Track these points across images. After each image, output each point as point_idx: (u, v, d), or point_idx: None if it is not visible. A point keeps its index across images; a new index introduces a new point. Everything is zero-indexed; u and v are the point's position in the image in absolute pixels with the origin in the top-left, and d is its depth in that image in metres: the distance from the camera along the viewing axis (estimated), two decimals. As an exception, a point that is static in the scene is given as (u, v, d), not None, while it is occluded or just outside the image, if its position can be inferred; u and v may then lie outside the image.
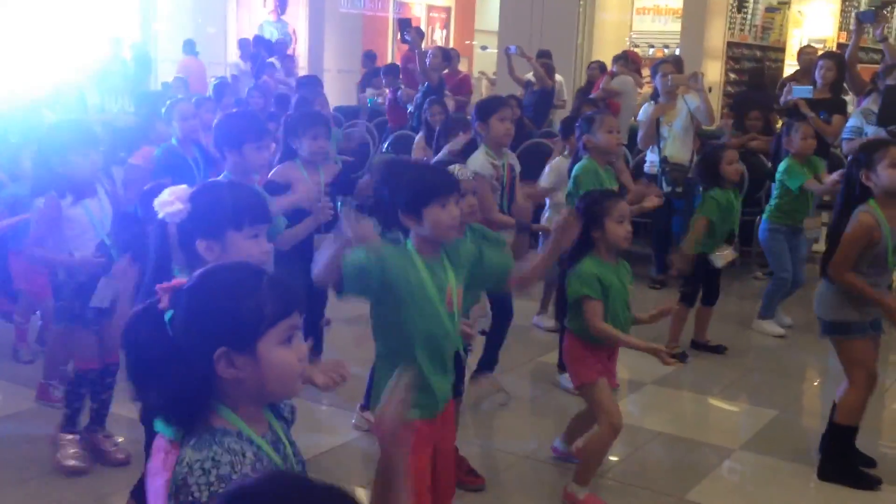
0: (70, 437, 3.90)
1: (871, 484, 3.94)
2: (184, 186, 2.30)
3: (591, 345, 3.66)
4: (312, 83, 7.81)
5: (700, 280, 5.53)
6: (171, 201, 2.25)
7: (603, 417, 3.62)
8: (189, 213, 2.26)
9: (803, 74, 8.58)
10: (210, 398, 1.61)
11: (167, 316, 1.62)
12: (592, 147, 4.82)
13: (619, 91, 9.23)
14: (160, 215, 2.27)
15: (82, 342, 3.86)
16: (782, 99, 7.46)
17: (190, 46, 12.70)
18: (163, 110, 5.38)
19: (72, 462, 3.83)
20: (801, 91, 7.11)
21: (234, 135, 3.85)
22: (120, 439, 3.98)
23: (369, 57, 11.46)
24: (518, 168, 4.86)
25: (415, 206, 2.65)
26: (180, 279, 1.66)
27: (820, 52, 9.03)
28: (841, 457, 3.98)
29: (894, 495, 3.91)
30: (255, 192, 2.50)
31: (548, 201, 5.71)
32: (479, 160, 4.58)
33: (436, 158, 4.95)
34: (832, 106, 7.02)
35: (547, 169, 5.85)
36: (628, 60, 9.66)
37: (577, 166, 4.91)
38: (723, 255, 5.39)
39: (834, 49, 12.52)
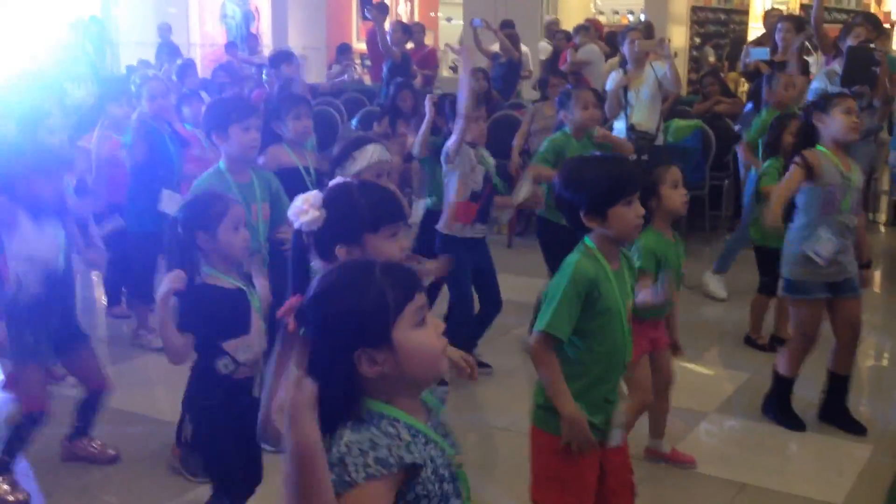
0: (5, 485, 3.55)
1: (798, 426, 4.20)
2: (315, 192, 2.20)
3: (636, 319, 3.43)
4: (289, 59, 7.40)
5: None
6: (305, 209, 2.14)
7: (635, 394, 3.53)
8: (325, 219, 2.16)
9: (769, 38, 8.64)
10: (357, 400, 1.58)
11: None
12: (570, 122, 4.92)
13: (587, 61, 9.23)
14: (296, 225, 2.17)
15: (30, 379, 3.52)
16: (742, 62, 7.52)
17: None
18: (132, 88, 5.29)
19: (11, 497, 3.52)
20: (759, 53, 7.22)
21: (220, 118, 3.78)
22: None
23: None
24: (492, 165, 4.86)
25: (600, 207, 2.53)
26: (294, 300, 1.62)
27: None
28: (778, 398, 4.26)
29: (866, 452, 4.00)
30: (386, 191, 2.41)
31: None
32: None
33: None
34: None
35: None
36: (591, 29, 9.66)
37: (547, 139, 4.97)
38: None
39: (797, 10, 12.59)
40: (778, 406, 4.27)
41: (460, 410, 4.45)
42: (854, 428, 4.18)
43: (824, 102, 4.01)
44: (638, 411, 3.67)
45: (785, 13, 10.16)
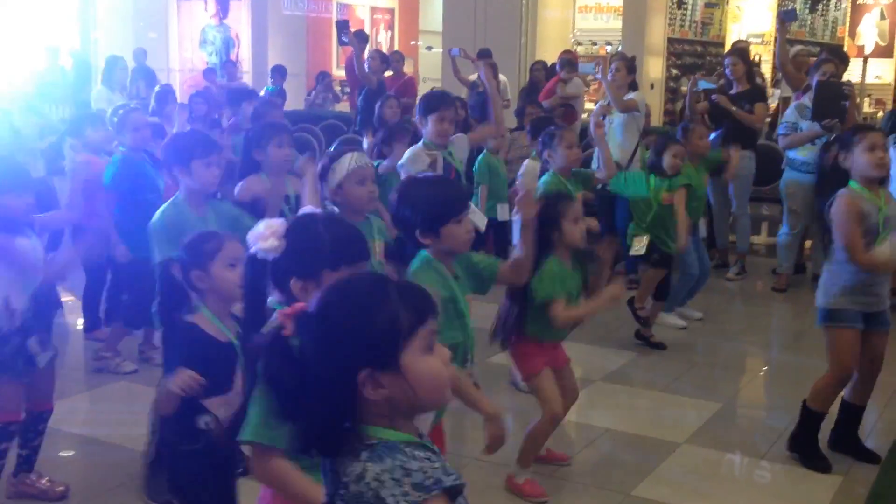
0: None
1: (824, 468, 4.07)
2: (280, 220, 2.17)
3: (539, 341, 3.81)
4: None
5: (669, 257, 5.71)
6: (265, 235, 2.10)
7: (545, 406, 3.78)
8: (284, 250, 2.10)
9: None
10: (356, 423, 1.51)
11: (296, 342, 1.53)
12: (554, 162, 4.96)
13: (575, 95, 9.35)
14: (252, 249, 2.12)
15: (7, 392, 3.52)
16: (689, 91, 7.63)
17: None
18: (114, 118, 5.32)
19: None
20: (704, 84, 7.45)
21: (182, 153, 3.78)
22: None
23: (278, 71, 11.48)
24: (463, 157, 4.95)
25: (432, 226, 2.78)
26: (298, 305, 1.55)
27: (755, 46, 9.24)
28: (806, 435, 4.13)
29: (836, 482, 3.99)
30: (352, 228, 2.33)
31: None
32: (413, 152, 4.71)
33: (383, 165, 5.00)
34: (752, 95, 7.32)
35: (522, 170, 5.93)
36: (573, 62, 9.75)
37: (540, 182, 4.98)
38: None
39: (771, 42, 12.76)
40: (804, 442, 4.14)
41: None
42: (867, 457, 4.17)
43: (847, 141, 3.88)
44: (548, 425, 3.79)
45: (758, 45, 10.34)
